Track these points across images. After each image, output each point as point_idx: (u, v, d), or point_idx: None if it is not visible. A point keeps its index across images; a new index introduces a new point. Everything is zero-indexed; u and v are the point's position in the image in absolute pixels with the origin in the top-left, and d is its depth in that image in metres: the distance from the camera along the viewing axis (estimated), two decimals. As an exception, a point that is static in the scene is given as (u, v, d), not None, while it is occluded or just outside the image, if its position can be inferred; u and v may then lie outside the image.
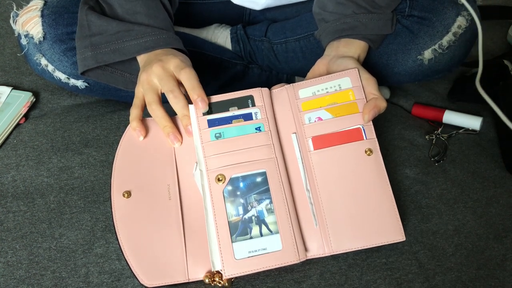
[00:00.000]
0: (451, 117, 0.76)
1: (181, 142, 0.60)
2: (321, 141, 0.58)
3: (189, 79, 0.57)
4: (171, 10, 0.68)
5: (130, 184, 0.59)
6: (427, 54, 0.70)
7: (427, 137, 0.74)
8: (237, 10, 0.86)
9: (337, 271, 0.57)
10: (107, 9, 0.65)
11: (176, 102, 0.57)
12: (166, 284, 0.54)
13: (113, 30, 0.62)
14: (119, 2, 0.64)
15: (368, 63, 0.71)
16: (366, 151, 0.57)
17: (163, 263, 0.55)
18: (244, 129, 0.57)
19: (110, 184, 0.59)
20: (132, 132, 0.61)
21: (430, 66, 0.71)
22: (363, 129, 0.58)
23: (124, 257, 0.55)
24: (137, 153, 0.60)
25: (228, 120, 0.58)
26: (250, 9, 0.86)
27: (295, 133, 0.59)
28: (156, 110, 0.58)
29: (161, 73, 0.58)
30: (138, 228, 0.56)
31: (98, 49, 0.63)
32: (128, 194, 0.58)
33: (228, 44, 0.85)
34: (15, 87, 0.83)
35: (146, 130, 0.61)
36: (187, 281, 0.55)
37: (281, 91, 0.61)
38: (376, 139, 0.58)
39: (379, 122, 0.75)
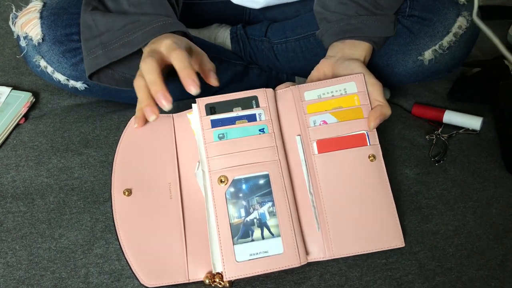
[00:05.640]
0: (451, 117, 0.76)
1: (157, 116, 0.56)
2: (326, 145, 0.58)
3: (179, 60, 0.53)
4: (176, 5, 0.68)
5: (130, 182, 0.58)
6: (428, 54, 0.70)
7: (427, 137, 0.74)
8: (237, 10, 0.86)
9: (337, 272, 0.57)
10: (112, 4, 0.65)
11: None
12: (166, 284, 0.54)
13: (119, 25, 0.62)
14: None
15: (369, 64, 0.71)
16: (369, 157, 0.57)
17: (164, 263, 0.55)
18: (247, 130, 0.57)
19: (111, 182, 0.58)
20: (132, 120, 0.60)
21: (431, 67, 0.71)
22: (367, 135, 0.58)
23: (124, 256, 0.55)
24: (138, 150, 0.60)
25: (231, 121, 0.57)
26: (250, 9, 0.86)
27: (300, 135, 0.59)
28: (141, 93, 0.55)
29: (147, 51, 0.57)
30: (138, 227, 0.56)
31: (109, 46, 0.62)
32: (128, 192, 0.58)
33: (228, 44, 0.85)
34: (15, 87, 0.82)
35: (154, 126, 0.60)
36: (187, 281, 0.55)
37: (286, 92, 0.61)
38: (379, 145, 0.58)
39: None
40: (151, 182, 0.58)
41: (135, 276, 0.54)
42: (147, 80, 0.54)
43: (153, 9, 0.63)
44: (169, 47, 0.55)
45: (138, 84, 0.56)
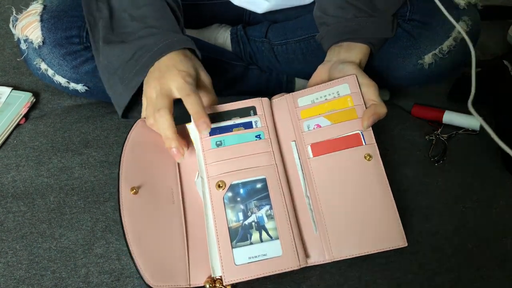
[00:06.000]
0: (451, 118, 0.76)
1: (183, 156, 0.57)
2: (320, 148, 0.58)
3: (192, 105, 0.55)
4: (180, 14, 0.68)
5: (138, 180, 0.58)
6: (428, 58, 0.70)
7: (427, 137, 0.74)
8: (238, 11, 0.86)
9: (337, 271, 0.57)
10: (115, 25, 0.64)
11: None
12: (170, 286, 0.54)
13: (129, 54, 0.61)
14: (129, 11, 0.63)
15: (369, 67, 0.71)
16: (365, 157, 0.57)
17: (167, 265, 0.54)
18: (244, 137, 0.58)
19: (118, 177, 0.57)
20: (138, 122, 0.60)
21: (431, 70, 0.71)
22: (362, 135, 0.58)
23: (130, 252, 0.54)
24: (144, 150, 0.60)
25: (228, 129, 0.58)
26: (250, 10, 0.86)
27: (295, 140, 0.59)
28: (154, 126, 0.58)
29: (158, 91, 0.56)
30: (144, 227, 0.55)
31: (125, 79, 0.62)
32: (136, 190, 0.57)
33: (228, 45, 0.85)
34: (15, 88, 0.83)
35: (153, 132, 0.60)
36: (188, 286, 0.54)
37: (281, 101, 0.61)
38: (375, 144, 0.58)
39: (379, 123, 0.75)
40: (155, 184, 0.58)
41: (140, 274, 0.53)
42: (162, 134, 0.55)
43: (156, 21, 0.63)
44: (182, 91, 0.56)
45: (155, 126, 0.58)
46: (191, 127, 0.60)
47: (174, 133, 0.55)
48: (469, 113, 0.76)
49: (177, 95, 0.56)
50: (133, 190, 0.57)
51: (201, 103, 0.55)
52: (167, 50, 0.59)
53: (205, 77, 0.61)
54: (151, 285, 0.53)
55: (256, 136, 0.58)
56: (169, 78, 0.57)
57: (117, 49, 0.62)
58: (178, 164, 0.60)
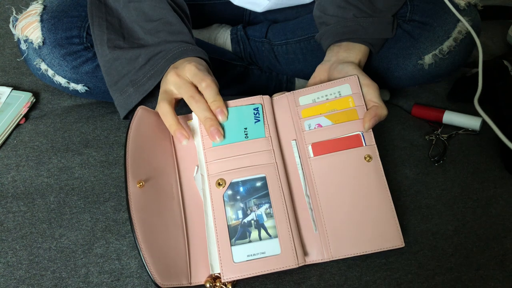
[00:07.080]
0: (451, 118, 0.76)
1: (188, 139, 0.57)
2: (321, 148, 0.58)
3: (210, 91, 0.56)
4: (189, 23, 0.68)
5: (143, 173, 0.56)
6: (428, 59, 0.70)
7: (427, 137, 0.74)
8: (238, 11, 0.86)
9: (337, 271, 0.57)
10: (126, 35, 0.65)
11: (198, 107, 0.56)
12: (175, 286, 0.53)
13: (143, 60, 0.62)
14: (141, 24, 0.64)
15: (369, 67, 0.71)
16: (365, 158, 0.57)
17: (171, 263, 0.54)
18: (242, 111, 0.58)
19: (125, 169, 0.55)
20: (138, 109, 0.59)
21: (431, 71, 0.71)
22: (363, 136, 0.58)
23: (138, 250, 0.52)
24: (146, 141, 0.59)
25: None
26: (250, 10, 0.86)
27: (295, 139, 0.59)
28: (168, 119, 0.57)
29: (177, 81, 0.57)
30: (151, 223, 0.54)
31: (138, 82, 0.62)
32: (142, 183, 0.55)
33: (228, 45, 0.85)
34: (15, 88, 0.83)
35: (157, 124, 0.60)
36: (189, 285, 0.54)
37: (281, 99, 0.61)
38: (375, 146, 0.58)
39: (379, 123, 0.75)
40: (158, 179, 0.58)
41: (148, 272, 0.52)
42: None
43: (171, 36, 0.63)
44: (196, 75, 0.57)
45: (163, 110, 0.57)
46: (192, 124, 0.60)
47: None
48: (469, 113, 0.76)
49: (195, 82, 0.57)
50: (139, 183, 0.55)
51: (217, 89, 0.57)
52: (180, 57, 0.61)
53: (214, 80, 0.61)
54: (158, 284, 0.52)
55: (254, 109, 0.58)
56: (183, 69, 0.58)
57: (129, 54, 0.63)
58: (176, 157, 0.60)
